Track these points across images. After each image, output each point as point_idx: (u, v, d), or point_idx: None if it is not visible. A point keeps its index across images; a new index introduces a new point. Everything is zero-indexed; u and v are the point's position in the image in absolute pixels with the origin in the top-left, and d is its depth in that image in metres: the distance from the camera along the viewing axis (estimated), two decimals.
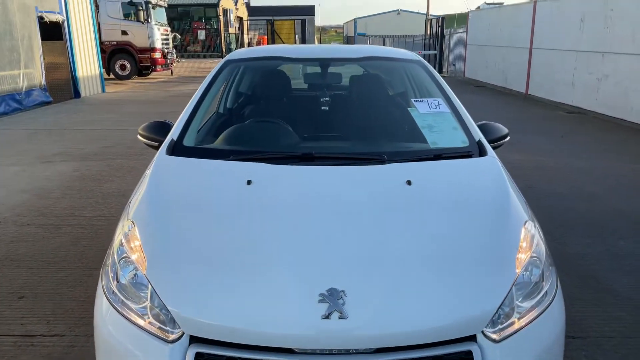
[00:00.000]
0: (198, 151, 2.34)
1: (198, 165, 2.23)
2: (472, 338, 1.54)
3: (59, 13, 12.25)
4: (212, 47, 39.51)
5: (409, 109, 2.56)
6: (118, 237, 1.85)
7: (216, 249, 1.71)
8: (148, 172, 2.19)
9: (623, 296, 3.12)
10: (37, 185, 5.45)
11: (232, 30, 41.21)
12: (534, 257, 1.77)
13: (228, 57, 3.01)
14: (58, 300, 3.06)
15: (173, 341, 1.52)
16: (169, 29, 21.62)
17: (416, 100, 2.59)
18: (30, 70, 11.13)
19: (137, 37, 19.52)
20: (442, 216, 1.86)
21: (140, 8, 19.37)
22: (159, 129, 2.58)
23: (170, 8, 42.43)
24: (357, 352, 1.48)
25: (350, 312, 1.48)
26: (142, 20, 19.45)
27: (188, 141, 2.40)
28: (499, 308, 1.57)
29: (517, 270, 1.67)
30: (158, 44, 20.17)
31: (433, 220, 1.84)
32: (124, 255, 1.75)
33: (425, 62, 2.96)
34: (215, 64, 3.30)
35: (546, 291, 1.73)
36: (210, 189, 2.04)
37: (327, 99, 3.00)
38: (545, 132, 8.61)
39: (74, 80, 13.05)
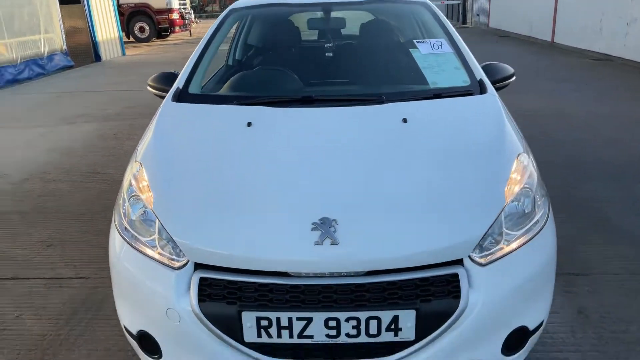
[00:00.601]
0: (202, 98, 2.41)
1: (201, 110, 2.30)
2: (460, 262, 1.61)
3: None
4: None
5: (410, 49, 2.56)
6: (127, 178, 1.95)
7: (217, 185, 1.80)
8: (155, 118, 2.28)
9: (635, 235, 3.13)
10: (62, 145, 5.65)
11: None
12: (525, 188, 1.81)
13: (232, 5, 3.04)
14: (84, 247, 3.24)
15: (179, 268, 1.64)
16: None
17: (418, 42, 2.59)
18: (51, 35, 11.27)
19: None
20: (436, 151, 1.90)
21: None
22: (167, 79, 2.65)
23: None
24: (348, 275, 1.57)
25: (341, 239, 1.56)
26: None
27: (193, 89, 2.47)
28: (485, 235, 1.63)
29: (505, 200, 1.72)
30: (175, 5, 20.07)
31: (426, 155, 1.88)
32: (133, 194, 1.86)
33: (430, 3, 2.93)
34: None
35: (537, 220, 1.77)
36: (213, 131, 2.12)
37: (331, 44, 3.01)
38: (570, 79, 8.39)
39: (94, 44, 13.17)
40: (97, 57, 13.29)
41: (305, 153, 1.90)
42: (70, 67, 11.89)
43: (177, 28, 20.38)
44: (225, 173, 1.85)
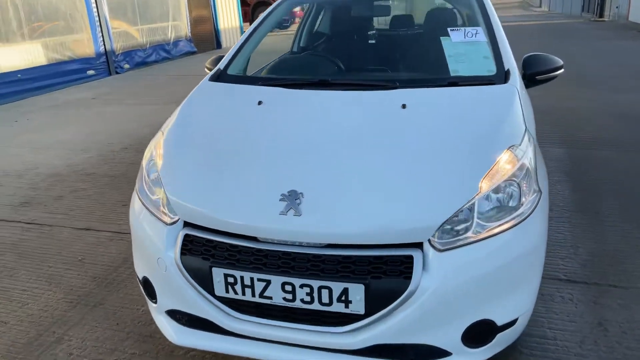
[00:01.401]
0: (236, 78, 2.62)
1: (225, 88, 2.51)
2: (420, 245, 1.64)
3: None
4: None
5: (441, 37, 2.52)
6: (150, 146, 2.23)
7: (215, 154, 2.00)
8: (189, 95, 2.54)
9: None
10: (163, 120, 6.28)
11: None
12: (511, 181, 1.76)
13: None
14: None
15: (171, 224, 1.86)
16: None
17: (452, 30, 2.54)
18: (178, 23, 12.39)
19: None
20: (424, 136, 1.91)
21: None
22: (219, 61, 2.91)
23: None
24: (309, 245, 1.67)
25: (304, 211, 1.67)
26: None
27: (232, 70, 2.69)
28: (448, 221, 1.63)
29: (479, 191, 1.69)
30: None
31: (413, 140, 1.90)
32: (152, 159, 2.12)
33: None
34: None
35: (519, 214, 1.72)
36: (227, 107, 2.32)
37: (375, 33, 3.06)
38: None
39: (216, 32, 14.22)
40: (219, 45, 14.33)
41: (296, 131, 2.03)
42: (192, 53, 12.98)
43: (297, 19, 21.12)
44: (224, 144, 2.04)
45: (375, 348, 1.69)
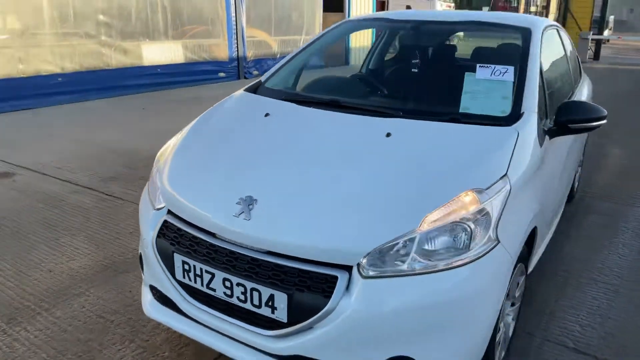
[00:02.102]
0: (267, 91, 2.82)
1: (251, 99, 2.71)
2: (350, 268, 1.67)
3: None
4: None
5: (466, 73, 2.47)
6: (167, 143, 2.51)
7: (207, 154, 2.21)
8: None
9: None
10: None
11: (533, 8, 38.22)
12: (462, 225, 1.71)
13: (349, 17, 3.35)
14: None
15: (158, 209, 2.11)
16: (452, 4, 21.85)
17: (481, 66, 2.47)
18: (310, 37, 13.09)
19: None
20: (391, 166, 1.91)
21: None
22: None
23: None
24: (252, 249, 1.80)
25: (254, 216, 1.80)
26: None
27: (269, 84, 2.90)
28: (379, 250, 1.65)
29: (419, 227, 1.68)
30: None
31: (380, 168, 1.91)
32: (162, 153, 2.41)
33: (531, 30, 2.70)
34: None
35: (464, 258, 1.67)
36: (240, 115, 2.53)
37: (417, 61, 3.04)
38: None
39: (347, 49, 14.72)
40: (347, 61, 14.84)
41: (277, 143, 2.17)
42: (320, 67, 13.59)
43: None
44: (220, 147, 2.25)
45: (296, 358, 1.76)
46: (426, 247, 1.69)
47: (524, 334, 2.47)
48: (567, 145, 2.84)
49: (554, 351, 2.37)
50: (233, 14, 10.54)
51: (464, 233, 1.72)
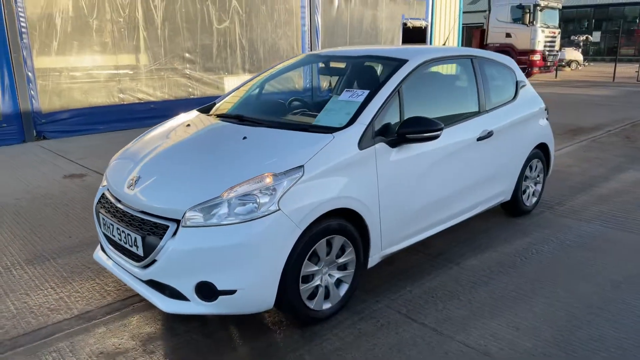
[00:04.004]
0: (208, 109, 3.80)
1: (193, 115, 3.70)
2: (178, 221, 2.55)
3: (424, 19, 14.56)
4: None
5: (333, 95, 3.21)
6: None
7: (132, 150, 3.26)
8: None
9: None
10: None
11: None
12: (254, 195, 2.51)
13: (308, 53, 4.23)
14: None
15: (102, 186, 3.17)
16: (557, 30, 21.13)
17: (347, 90, 3.19)
18: None
19: (519, 39, 20.13)
20: (226, 156, 2.81)
21: (527, 11, 19.78)
22: None
23: (599, 8, 39.39)
24: (132, 209, 2.75)
25: (136, 188, 2.77)
26: (527, 22, 19.85)
27: (217, 105, 3.88)
28: (193, 209, 2.50)
29: (221, 195, 2.51)
30: (539, 46, 20.21)
31: (218, 157, 2.82)
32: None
33: (406, 61, 3.35)
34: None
35: (247, 218, 2.47)
36: (175, 125, 3.52)
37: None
38: None
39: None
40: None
41: (174, 142, 3.14)
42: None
43: (535, 69, 20.50)
44: (141, 145, 3.28)
45: (151, 282, 2.67)
46: (229, 208, 2.51)
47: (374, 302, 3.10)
48: (444, 156, 3.39)
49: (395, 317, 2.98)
50: (308, 50, 11.79)
51: (254, 201, 2.51)
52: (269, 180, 2.57)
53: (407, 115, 3.17)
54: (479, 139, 3.71)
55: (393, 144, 3.05)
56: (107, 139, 8.14)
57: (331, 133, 2.87)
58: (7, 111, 7.59)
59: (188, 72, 9.83)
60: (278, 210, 2.52)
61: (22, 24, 7.58)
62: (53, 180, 5.74)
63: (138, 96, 9.21)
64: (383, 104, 3.07)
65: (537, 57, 20.26)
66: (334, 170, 2.76)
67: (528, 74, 20.56)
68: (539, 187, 4.71)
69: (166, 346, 2.68)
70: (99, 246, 3.23)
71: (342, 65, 4.07)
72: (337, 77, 4.26)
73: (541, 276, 3.46)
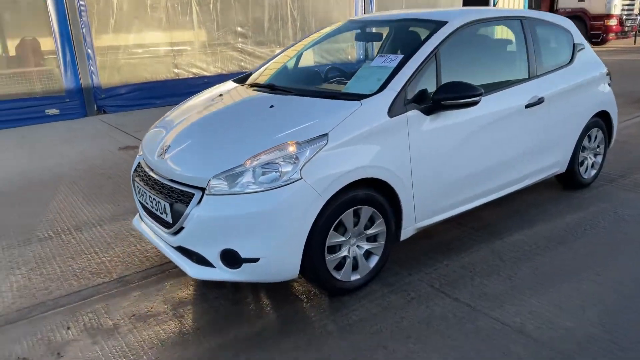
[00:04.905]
0: (244, 79, 3.76)
1: (229, 85, 3.67)
2: (203, 189, 2.56)
3: None
4: None
5: (366, 61, 3.06)
6: None
7: (167, 120, 3.28)
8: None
9: None
10: None
11: None
12: (276, 164, 2.46)
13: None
14: None
15: (139, 155, 3.24)
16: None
17: (380, 55, 3.04)
18: None
19: (593, 3, 18.71)
20: (252, 126, 2.76)
21: None
22: None
23: None
24: (163, 177, 2.79)
25: (166, 156, 2.80)
26: None
27: (253, 74, 3.84)
28: (216, 177, 2.50)
29: (244, 164, 2.48)
30: (616, 10, 18.69)
31: (245, 127, 2.76)
32: None
33: (445, 23, 3.14)
34: None
35: (270, 187, 2.43)
36: (209, 95, 3.51)
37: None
38: None
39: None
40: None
41: (205, 111, 3.12)
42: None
43: (611, 35, 19.03)
44: (175, 115, 3.30)
45: (180, 248, 2.71)
46: (251, 177, 2.48)
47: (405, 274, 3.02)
48: (485, 124, 3.19)
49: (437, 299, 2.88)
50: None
51: (277, 170, 2.47)
52: (291, 148, 2.52)
53: (445, 81, 2.99)
54: (527, 106, 3.46)
55: (427, 111, 2.90)
56: (163, 113, 8.36)
57: (359, 100, 2.77)
58: (70, 87, 7.96)
59: (240, 46, 9.88)
60: (300, 179, 2.47)
61: (81, 2, 7.85)
62: (108, 152, 5.98)
63: (192, 71, 9.38)
64: (417, 69, 2.91)
65: (613, 22, 18.76)
66: (361, 138, 2.66)
67: (603, 41, 19.14)
68: (599, 158, 4.36)
69: (195, 311, 2.73)
70: (138, 213, 3.32)
71: (381, 30, 3.90)
72: (378, 44, 4.10)
73: (593, 252, 3.22)
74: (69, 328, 2.60)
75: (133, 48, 8.67)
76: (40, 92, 7.81)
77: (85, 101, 8.15)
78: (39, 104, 7.76)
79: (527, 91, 3.51)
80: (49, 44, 7.84)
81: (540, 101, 3.55)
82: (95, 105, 8.30)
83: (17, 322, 2.66)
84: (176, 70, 9.20)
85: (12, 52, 7.84)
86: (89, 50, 8.07)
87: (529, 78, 3.58)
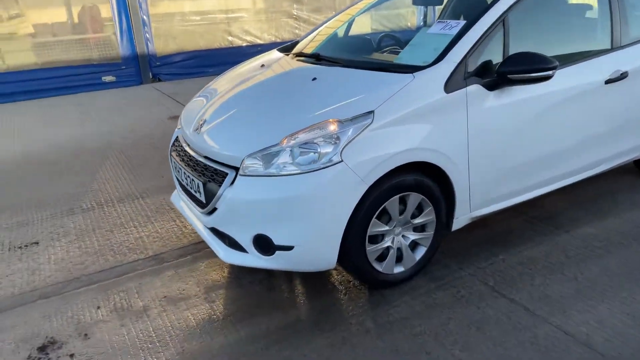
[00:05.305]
0: (288, 49, 3.49)
1: (273, 54, 3.42)
2: (238, 169, 2.37)
3: None
4: None
5: (422, 28, 2.71)
6: None
7: (206, 93, 3.09)
8: None
9: None
10: None
11: None
12: (314, 144, 2.23)
13: None
14: None
15: (178, 129, 3.10)
16: None
17: (439, 21, 2.68)
18: None
19: None
20: (290, 100, 2.54)
21: None
22: None
23: None
24: (198, 154, 2.63)
25: (202, 131, 2.63)
26: None
27: (299, 44, 3.57)
28: (251, 156, 2.30)
29: (280, 143, 2.26)
30: None
31: (284, 101, 2.54)
32: None
33: None
34: None
35: (308, 169, 2.21)
36: (252, 66, 3.28)
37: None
38: None
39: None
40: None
41: (245, 83, 2.91)
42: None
43: None
44: (215, 88, 3.11)
45: (214, 230, 2.55)
46: (288, 157, 2.27)
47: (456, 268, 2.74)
48: (557, 102, 2.80)
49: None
50: None
51: (315, 150, 2.24)
52: (333, 127, 2.27)
53: (514, 52, 2.61)
54: (607, 82, 3.02)
55: (491, 86, 2.55)
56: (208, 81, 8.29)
57: (412, 73, 2.46)
58: (126, 54, 7.99)
59: (295, 13, 9.57)
60: (340, 161, 2.22)
61: None
62: (159, 121, 5.96)
63: (247, 39, 9.20)
64: (481, 37, 2.54)
65: None
66: (412, 117, 2.36)
67: None
68: None
69: (227, 296, 2.59)
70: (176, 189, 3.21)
71: None
72: (439, 8, 3.72)
73: None
74: (99, 307, 2.53)
75: (188, 15, 8.58)
76: (98, 59, 7.90)
77: (141, 69, 8.18)
78: (96, 70, 7.86)
79: (608, 64, 3.06)
80: (106, 10, 7.87)
81: (623, 76, 3.09)
82: (150, 73, 8.32)
83: (50, 297, 2.63)
84: (230, 38, 9.05)
85: (75, 20, 7.94)
86: (144, 17, 8.04)
87: (612, 49, 3.11)
